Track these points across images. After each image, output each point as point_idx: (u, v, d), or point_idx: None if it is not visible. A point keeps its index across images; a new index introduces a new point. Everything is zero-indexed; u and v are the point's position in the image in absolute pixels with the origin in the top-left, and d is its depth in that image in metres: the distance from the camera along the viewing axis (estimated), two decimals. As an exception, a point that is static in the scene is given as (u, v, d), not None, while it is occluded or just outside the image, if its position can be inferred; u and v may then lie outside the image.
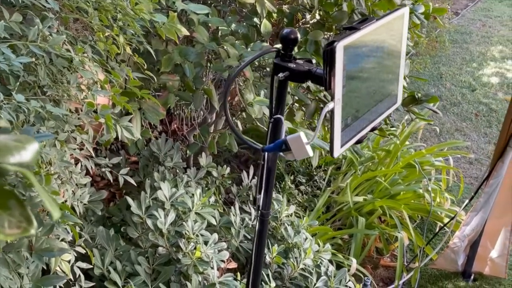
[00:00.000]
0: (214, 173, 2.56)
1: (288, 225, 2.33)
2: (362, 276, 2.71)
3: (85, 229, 1.93)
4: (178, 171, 2.52)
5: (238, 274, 2.02)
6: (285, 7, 2.43)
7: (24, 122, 1.14)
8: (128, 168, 2.61)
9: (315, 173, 3.19)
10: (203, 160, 2.58)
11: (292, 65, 1.14)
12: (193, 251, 1.77)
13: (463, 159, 3.95)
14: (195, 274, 1.72)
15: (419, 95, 2.68)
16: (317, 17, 2.40)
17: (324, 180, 3.13)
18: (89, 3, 1.39)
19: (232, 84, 1.09)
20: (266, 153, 1.23)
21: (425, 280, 2.89)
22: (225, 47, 2.16)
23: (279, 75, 1.13)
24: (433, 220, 3.10)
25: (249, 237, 2.21)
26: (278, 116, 1.20)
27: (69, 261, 1.35)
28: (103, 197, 2.05)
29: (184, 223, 1.80)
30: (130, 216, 1.84)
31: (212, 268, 1.74)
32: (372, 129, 1.16)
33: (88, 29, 1.37)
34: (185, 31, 1.89)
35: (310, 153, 1.03)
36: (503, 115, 4.66)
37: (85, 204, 1.92)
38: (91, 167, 1.70)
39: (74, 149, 1.25)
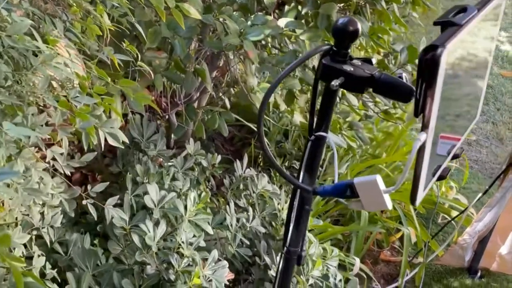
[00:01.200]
0: (204, 163, 2.24)
1: (290, 225, 2.05)
2: (364, 276, 2.47)
3: (55, 234, 1.60)
4: (163, 160, 2.19)
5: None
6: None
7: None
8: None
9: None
10: (191, 147, 2.25)
11: (348, 67, 0.82)
12: (188, 271, 1.47)
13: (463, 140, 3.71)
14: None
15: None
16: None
17: (321, 167, 2.84)
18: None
19: (268, 99, 0.77)
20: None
21: (429, 277, 2.67)
22: (222, 19, 1.81)
23: (332, 82, 0.81)
24: (437, 211, 2.87)
25: (246, 241, 1.92)
26: (323, 133, 0.89)
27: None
28: (76, 194, 1.71)
29: (175, 235, 1.49)
30: (112, 227, 1.52)
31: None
32: (454, 157, 0.86)
33: (61, 4, 1.01)
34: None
35: (389, 205, 0.73)
36: (499, 91, 4.44)
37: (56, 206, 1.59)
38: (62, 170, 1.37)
39: (43, 169, 0.92)
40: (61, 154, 1.09)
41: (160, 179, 1.96)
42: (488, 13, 0.82)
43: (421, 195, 0.75)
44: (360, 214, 2.57)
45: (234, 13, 1.95)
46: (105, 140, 1.48)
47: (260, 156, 2.89)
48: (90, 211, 1.52)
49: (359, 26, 0.82)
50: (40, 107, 0.97)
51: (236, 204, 2.16)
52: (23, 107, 0.86)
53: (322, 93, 0.88)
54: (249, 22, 1.93)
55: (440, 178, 0.82)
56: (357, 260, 2.35)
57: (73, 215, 1.65)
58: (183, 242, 1.50)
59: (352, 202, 0.76)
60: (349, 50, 0.84)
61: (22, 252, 0.99)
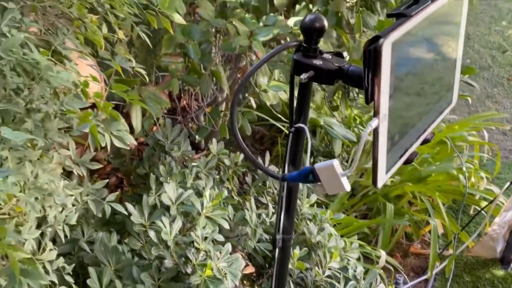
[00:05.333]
0: (227, 161, 2.31)
1: (310, 220, 2.09)
2: (392, 269, 2.49)
3: (85, 233, 1.72)
4: (187, 159, 2.28)
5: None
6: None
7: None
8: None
9: (336, 153, 2.93)
10: (214, 146, 2.33)
11: (317, 62, 0.88)
12: (204, 264, 1.54)
13: (497, 130, 3.65)
14: (207, 294, 1.50)
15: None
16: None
17: (346, 161, 2.86)
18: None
19: (240, 94, 0.84)
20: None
21: (460, 269, 2.65)
22: (233, 22, 1.88)
23: (301, 76, 0.86)
24: (468, 203, 2.84)
25: (267, 236, 1.98)
26: (301, 125, 0.94)
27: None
28: (104, 195, 1.82)
29: (192, 232, 1.57)
30: (131, 224, 1.61)
31: (227, 285, 1.52)
32: (424, 142, 0.89)
33: (65, 18, 1.11)
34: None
35: (347, 187, 0.78)
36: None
37: (84, 204, 1.70)
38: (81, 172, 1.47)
39: (50, 170, 1.01)
40: (70, 156, 1.18)
41: (183, 179, 2.04)
42: (450, 1, 0.85)
43: (383, 177, 0.79)
44: (385, 207, 2.58)
45: (247, 15, 2.02)
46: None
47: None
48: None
49: (325, 22, 0.87)
50: (54, 113, 1.06)
51: (258, 201, 2.23)
52: (32, 114, 0.96)
53: (298, 87, 0.93)
54: (261, 23, 1.99)
55: (407, 162, 0.86)
56: (383, 253, 2.37)
57: (100, 215, 1.76)
58: (197, 236, 1.57)
59: (316, 186, 0.81)
60: (318, 45, 0.89)
61: (32, 246, 1.09)
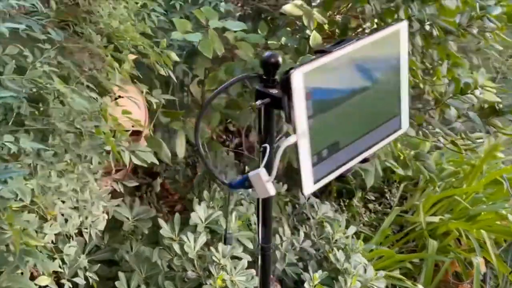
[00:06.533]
0: (270, 191, 2.48)
1: (342, 248, 2.19)
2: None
3: (133, 247, 1.96)
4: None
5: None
6: (338, 17, 2.30)
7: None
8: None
9: (387, 189, 3.00)
10: (260, 176, 2.51)
11: (274, 91, 1.05)
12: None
13: None
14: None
15: (501, 106, 2.42)
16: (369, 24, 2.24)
17: (395, 197, 2.92)
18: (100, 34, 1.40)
19: (204, 111, 1.03)
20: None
21: (509, 313, 2.58)
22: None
23: (257, 102, 1.04)
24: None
25: (294, 260, 2.11)
26: (266, 145, 1.11)
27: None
28: (151, 215, 2.07)
29: (212, 248, 1.75)
30: (162, 238, 1.83)
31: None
32: (363, 161, 1.03)
33: (95, 57, 1.38)
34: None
35: (272, 191, 0.93)
36: None
37: (134, 221, 1.97)
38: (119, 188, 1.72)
39: (72, 179, 1.26)
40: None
41: (223, 205, 2.24)
42: (382, 37, 1.00)
43: (310, 186, 0.93)
44: (429, 243, 2.60)
45: (287, 55, 2.22)
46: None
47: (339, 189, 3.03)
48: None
49: (279, 58, 1.04)
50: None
51: (295, 228, 2.37)
52: (57, 132, 1.22)
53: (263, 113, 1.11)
54: (297, 63, 2.18)
55: (341, 176, 0.99)
56: (421, 288, 2.39)
57: (146, 232, 2.01)
58: (218, 252, 1.75)
59: (253, 191, 0.97)
60: (276, 77, 1.07)
61: (52, 241, 1.32)
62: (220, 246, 1.78)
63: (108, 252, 1.85)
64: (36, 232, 1.20)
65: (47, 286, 1.35)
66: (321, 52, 0.92)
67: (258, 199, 1.20)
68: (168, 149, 2.01)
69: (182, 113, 2.10)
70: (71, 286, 1.43)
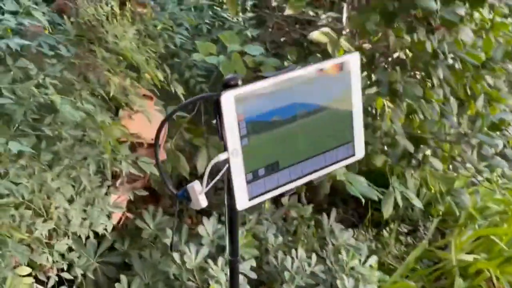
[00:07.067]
0: (293, 213, 2.53)
1: (353, 277, 2.19)
2: None
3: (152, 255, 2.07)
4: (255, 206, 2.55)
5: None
6: (366, 45, 2.32)
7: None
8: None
9: (421, 223, 2.94)
10: (285, 199, 2.56)
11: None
12: (218, 290, 1.78)
13: None
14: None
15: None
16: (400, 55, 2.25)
17: (428, 231, 2.85)
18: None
19: (164, 125, 1.12)
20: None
21: None
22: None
23: (213, 121, 1.12)
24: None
25: (303, 284, 2.13)
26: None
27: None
28: (171, 225, 2.18)
29: (209, 260, 1.83)
30: (166, 248, 1.93)
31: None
32: (308, 183, 1.07)
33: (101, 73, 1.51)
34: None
35: (203, 204, 1.00)
36: None
37: (155, 230, 2.09)
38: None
39: (67, 182, 1.39)
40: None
41: (243, 223, 2.31)
42: (329, 67, 1.04)
43: (244, 202, 0.99)
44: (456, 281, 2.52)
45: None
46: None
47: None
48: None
49: (239, 81, 1.11)
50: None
51: (314, 251, 2.39)
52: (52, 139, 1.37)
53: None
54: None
55: (281, 195, 1.04)
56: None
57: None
58: (216, 265, 1.82)
59: (191, 202, 1.03)
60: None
61: (42, 234, 1.46)
62: (220, 259, 1.86)
63: (120, 256, 1.97)
64: (28, 227, 1.34)
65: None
66: (260, 77, 0.98)
67: (226, 215, 1.26)
68: (187, 163, 2.12)
69: (203, 130, 2.21)
70: (57, 280, 1.57)
